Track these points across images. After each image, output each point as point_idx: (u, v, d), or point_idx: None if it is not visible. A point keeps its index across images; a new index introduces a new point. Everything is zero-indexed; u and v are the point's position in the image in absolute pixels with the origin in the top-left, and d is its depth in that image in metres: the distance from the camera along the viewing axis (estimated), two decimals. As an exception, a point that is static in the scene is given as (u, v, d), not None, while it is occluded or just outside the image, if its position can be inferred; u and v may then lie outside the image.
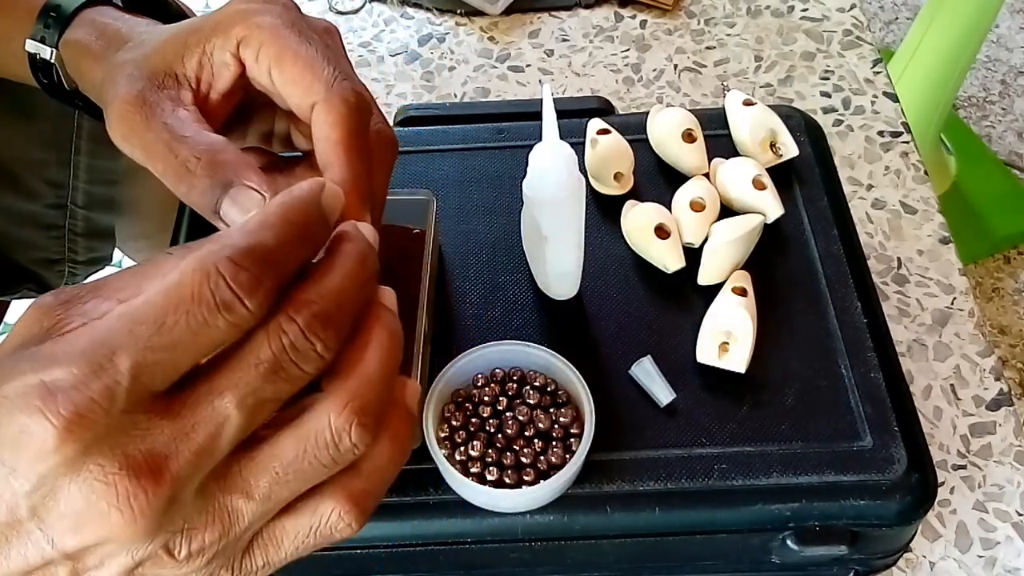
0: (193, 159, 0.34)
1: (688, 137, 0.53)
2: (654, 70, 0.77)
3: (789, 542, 0.42)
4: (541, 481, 0.40)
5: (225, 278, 0.25)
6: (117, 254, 0.82)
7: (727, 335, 0.45)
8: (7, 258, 0.67)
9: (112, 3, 0.43)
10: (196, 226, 0.52)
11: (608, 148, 0.52)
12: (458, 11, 0.81)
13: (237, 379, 0.25)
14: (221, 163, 0.34)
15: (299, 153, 0.42)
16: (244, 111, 0.41)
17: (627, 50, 0.78)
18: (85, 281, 0.79)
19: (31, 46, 0.42)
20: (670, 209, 0.51)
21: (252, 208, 0.34)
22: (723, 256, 0.48)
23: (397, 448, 0.29)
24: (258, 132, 0.43)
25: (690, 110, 0.55)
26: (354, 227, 0.29)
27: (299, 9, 0.38)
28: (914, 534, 0.45)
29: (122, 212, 0.76)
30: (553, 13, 0.81)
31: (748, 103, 0.54)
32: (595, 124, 0.54)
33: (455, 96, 0.76)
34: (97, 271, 0.77)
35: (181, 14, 0.47)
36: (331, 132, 0.35)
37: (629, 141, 0.53)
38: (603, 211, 0.52)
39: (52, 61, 0.42)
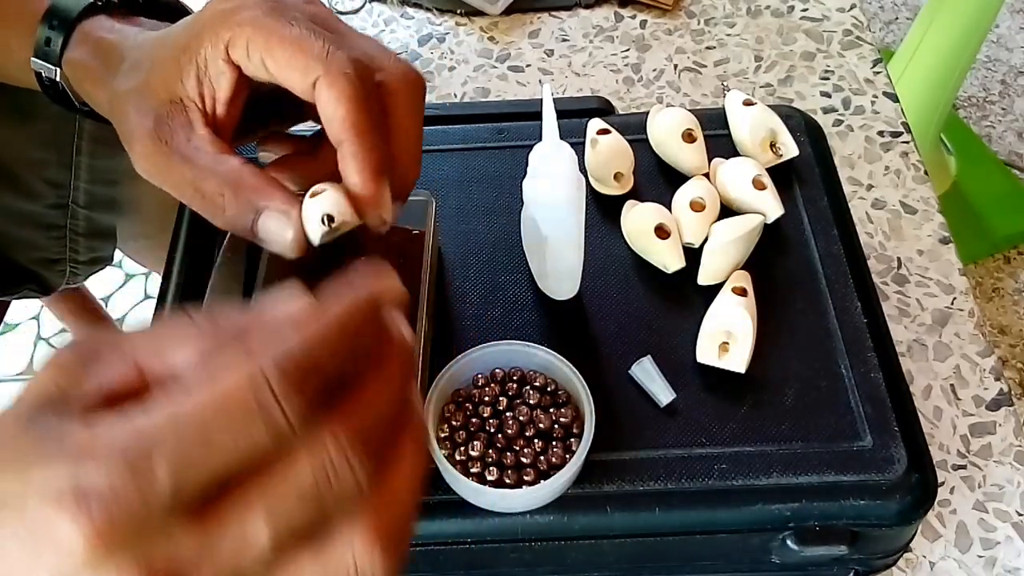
0: (219, 196, 0.36)
1: (688, 137, 0.53)
2: (654, 70, 0.77)
3: (789, 542, 0.42)
4: (541, 481, 0.40)
5: (276, 395, 0.24)
6: (117, 254, 0.82)
7: (727, 335, 0.45)
8: (8, 258, 0.67)
9: (108, 5, 0.43)
10: (196, 228, 0.52)
11: (608, 148, 0.52)
12: (458, 11, 0.81)
13: (272, 500, 0.24)
14: (246, 190, 0.36)
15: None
16: (260, 103, 0.41)
17: (627, 50, 0.78)
18: (85, 281, 0.80)
19: (35, 64, 0.43)
20: (670, 209, 0.51)
21: (283, 226, 0.36)
22: (723, 256, 0.48)
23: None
24: (268, 114, 0.43)
25: (690, 110, 0.55)
26: (402, 334, 0.28)
27: None
28: (914, 534, 0.45)
29: (122, 212, 0.76)
30: (553, 13, 0.81)
31: (748, 103, 0.54)
32: (595, 124, 0.54)
33: (455, 96, 0.76)
34: (98, 270, 0.77)
35: (177, 5, 0.46)
36: (336, 109, 0.35)
37: (629, 141, 0.53)
38: (603, 211, 0.52)
39: (58, 80, 0.43)
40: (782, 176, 0.53)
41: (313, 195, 0.36)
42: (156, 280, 1.50)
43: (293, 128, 0.45)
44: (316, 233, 0.36)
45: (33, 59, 0.43)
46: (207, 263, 0.50)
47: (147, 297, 1.56)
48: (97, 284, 1.57)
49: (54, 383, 0.25)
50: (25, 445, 0.23)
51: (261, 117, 0.42)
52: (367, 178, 0.36)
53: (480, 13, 0.81)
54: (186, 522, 0.23)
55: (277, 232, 0.36)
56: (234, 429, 0.24)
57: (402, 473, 0.27)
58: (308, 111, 0.41)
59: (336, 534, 0.25)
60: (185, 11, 0.47)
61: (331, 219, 0.36)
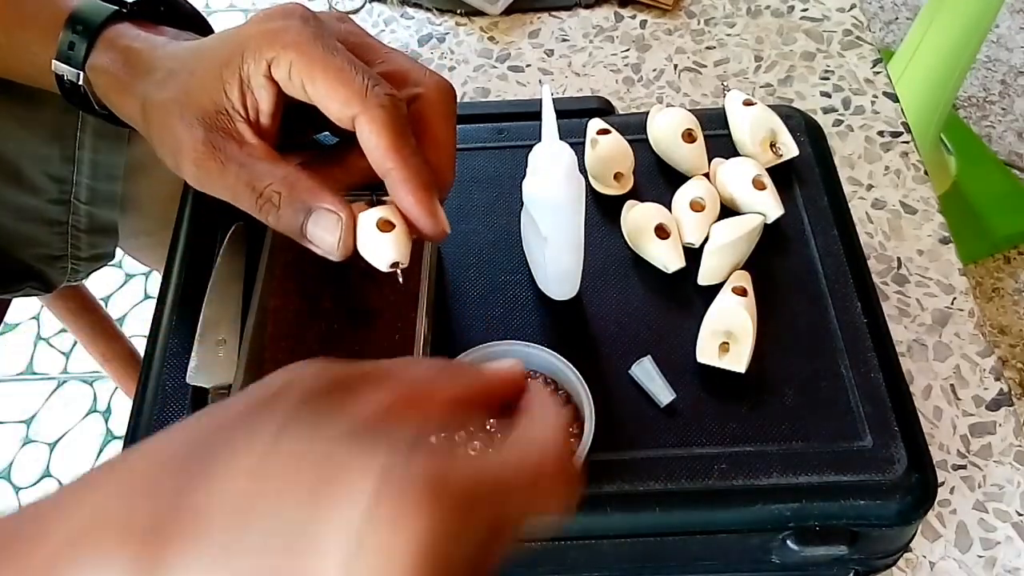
0: (275, 194, 0.38)
1: (688, 137, 0.53)
2: (654, 70, 0.77)
3: (789, 542, 0.42)
4: (541, 481, 0.40)
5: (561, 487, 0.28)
6: (118, 253, 0.82)
7: (727, 335, 0.45)
8: (10, 255, 0.67)
9: (131, 13, 0.44)
10: (196, 227, 0.52)
11: (608, 148, 0.52)
12: (458, 11, 0.81)
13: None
14: (300, 191, 0.38)
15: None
16: (294, 112, 0.42)
17: (627, 50, 0.78)
18: (87, 278, 0.80)
19: (57, 68, 0.43)
20: (670, 209, 0.51)
21: (333, 227, 0.38)
22: (723, 256, 0.48)
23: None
24: (301, 119, 0.44)
25: (690, 110, 0.55)
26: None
27: (315, 16, 0.40)
28: (914, 534, 0.45)
29: (123, 209, 0.76)
30: (553, 13, 0.81)
31: (748, 103, 0.54)
32: (595, 124, 0.54)
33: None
34: (99, 267, 0.77)
35: (196, 16, 0.48)
36: (379, 141, 0.38)
37: (629, 141, 0.53)
38: (603, 211, 0.52)
39: (81, 84, 0.43)
40: (782, 176, 0.53)
41: (382, 229, 0.39)
42: (156, 280, 1.50)
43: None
44: (381, 265, 0.39)
45: (55, 62, 0.43)
46: (207, 263, 0.50)
47: (147, 297, 1.56)
48: (97, 284, 1.57)
49: (329, 378, 0.26)
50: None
51: (297, 126, 0.44)
52: (421, 199, 0.38)
53: (480, 13, 0.81)
54: None
55: (325, 232, 0.38)
56: (556, 485, 0.27)
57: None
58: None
59: None
60: (204, 21, 0.48)
61: (387, 222, 0.39)
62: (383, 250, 0.39)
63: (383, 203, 0.39)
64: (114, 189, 0.73)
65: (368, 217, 0.39)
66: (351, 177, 0.42)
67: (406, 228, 0.39)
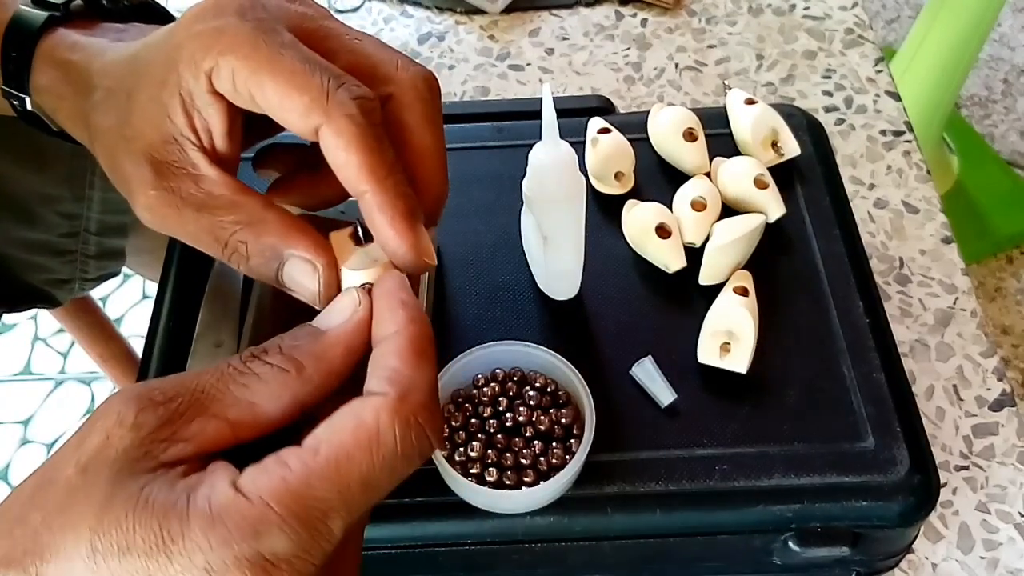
0: (241, 244, 0.33)
1: (689, 136, 0.53)
2: (655, 69, 0.76)
3: (791, 543, 0.42)
4: (541, 482, 0.40)
5: (425, 429, 0.26)
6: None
7: (728, 335, 0.45)
8: (19, 280, 0.67)
9: (69, 16, 0.39)
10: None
11: (609, 147, 0.52)
12: (458, 9, 0.81)
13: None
14: (267, 237, 0.33)
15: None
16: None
17: (628, 49, 0.78)
18: (94, 290, 0.80)
19: (6, 94, 0.39)
20: (671, 208, 0.51)
21: (310, 280, 0.33)
22: (724, 256, 0.48)
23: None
24: (264, 125, 0.37)
25: (691, 109, 0.54)
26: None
27: (255, 4, 0.33)
28: (916, 535, 0.44)
29: (129, 230, 0.76)
30: (553, 11, 0.81)
31: (750, 102, 0.54)
32: (595, 123, 0.54)
33: (455, 95, 0.76)
34: (105, 281, 0.78)
35: (147, 5, 0.43)
36: (347, 159, 0.32)
37: (630, 140, 0.53)
38: (603, 211, 0.52)
39: (31, 109, 0.39)
40: (784, 175, 0.52)
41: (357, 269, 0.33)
42: (154, 282, 1.50)
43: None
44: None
45: (3, 88, 0.39)
46: (206, 264, 0.49)
47: (145, 297, 1.56)
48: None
49: (135, 441, 0.25)
50: (144, 521, 0.23)
51: (260, 128, 0.38)
52: (401, 229, 0.32)
53: (480, 11, 0.81)
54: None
55: (302, 282, 0.33)
56: (393, 468, 0.26)
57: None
58: None
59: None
60: (154, 6, 0.43)
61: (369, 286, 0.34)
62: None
63: (364, 242, 0.34)
64: (123, 220, 0.73)
65: (353, 279, 0.33)
66: (336, 189, 0.34)
67: (385, 265, 0.34)
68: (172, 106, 0.33)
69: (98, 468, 0.24)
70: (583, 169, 0.50)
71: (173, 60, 0.33)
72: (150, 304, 0.50)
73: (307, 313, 0.45)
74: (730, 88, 0.57)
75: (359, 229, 0.34)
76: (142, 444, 0.25)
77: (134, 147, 0.34)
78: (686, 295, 0.48)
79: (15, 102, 0.39)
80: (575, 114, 0.55)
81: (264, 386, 0.27)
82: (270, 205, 0.33)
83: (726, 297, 0.46)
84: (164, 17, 0.43)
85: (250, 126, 0.36)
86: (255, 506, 0.23)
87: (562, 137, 0.43)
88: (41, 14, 0.38)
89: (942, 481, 0.44)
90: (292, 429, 0.27)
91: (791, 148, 0.53)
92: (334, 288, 0.33)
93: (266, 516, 0.23)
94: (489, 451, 0.40)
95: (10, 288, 0.66)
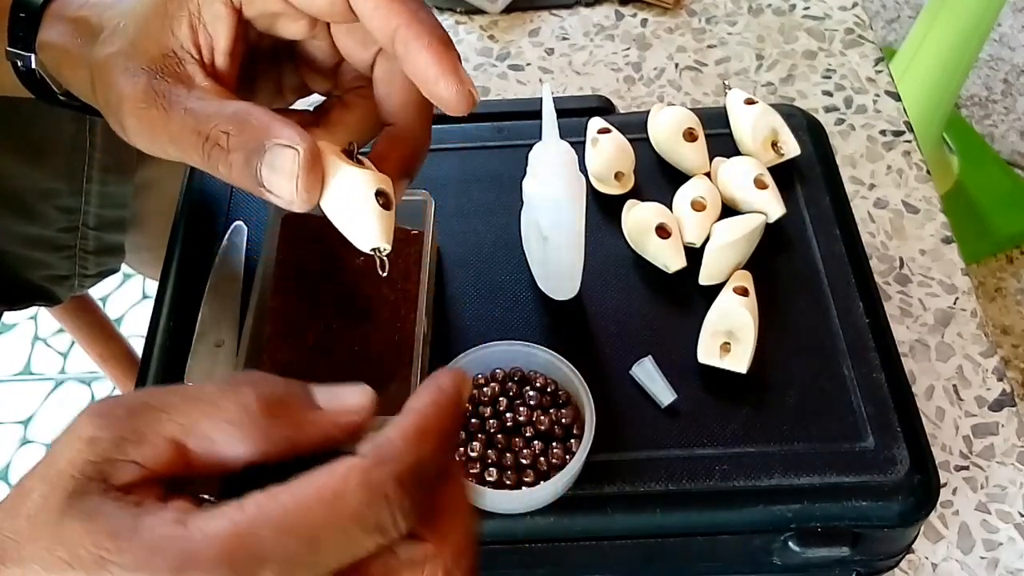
0: (223, 135, 0.31)
1: (689, 136, 0.53)
2: (655, 69, 0.76)
3: (791, 543, 0.42)
4: (541, 482, 0.40)
5: (391, 503, 0.23)
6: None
7: (728, 335, 0.45)
8: (19, 277, 0.67)
9: None
10: (195, 227, 0.52)
11: (609, 147, 0.52)
12: (458, 9, 0.81)
13: None
14: (250, 130, 0.31)
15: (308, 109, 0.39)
16: (247, 68, 0.37)
17: (628, 49, 0.78)
18: (91, 289, 0.80)
19: (10, 54, 0.39)
20: (671, 209, 0.51)
21: (290, 167, 0.30)
22: (724, 256, 0.48)
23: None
24: (268, 91, 0.39)
25: (691, 109, 0.54)
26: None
27: None
28: (916, 535, 0.44)
29: (129, 227, 0.76)
30: (553, 11, 0.81)
31: (750, 102, 0.54)
32: (596, 123, 0.54)
33: (455, 95, 0.76)
34: (104, 278, 0.77)
35: None
36: (414, 86, 0.31)
37: (630, 140, 0.53)
38: (604, 211, 0.52)
39: (34, 68, 0.39)
40: (784, 175, 0.52)
41: (382, 203, 0.31)
42: (154, 281, 1.50)
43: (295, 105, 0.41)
44: (371, 222, 0.31)
45: (9, 49, 0.39)
46: (205, 263, 0.49)
47: (145, 297, 1.56)
48: (96, 285, 1.57)
49: (91, 459, 0.24)
50: (84, 543, 0.23)
51: (257, 86, 0.39)
52: (442, 56, 0.31)
53: (480, 11, 0.81)
54: None
55: (282, 175, 0.30)
56: (346, 539, 0.23)
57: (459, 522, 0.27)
58: (312, 79, 0.38)
59: None
60: None
61: (386, 199, 0.31)
62: (372, 227, 0.31)
63: (362, 163, 0.32)
64: (121, 215, 0.73)
65: (360, 179, 0.31)
66: (333, 139, 0.34)
67: (394, 207, 0.32)
68: (178, 19, 0.33)
69: (58, 485, 0.24)
70: (583, 169, 0.50)
71: None
72: (150, 304, 0.50)
73: (307, 314, 0.45)
74: (730, 88, 0.57)
75: (354, 146, 0.32)
76: (96, 463, 0.24)
77: (132, 63, 0.33)
78: (686, 295, 0.48)
79: (19, 62, 0.39)
80: (575, 114, 0.55)
81: (229, 430, 0.26)
82: (259, 106, 0.32)
83: (726, 297, 0.46)
84: None
85: (250, 84, 0.36)
86: (191, 543, 0.22)
87: (562, 137, 0.43)
88: None
89: (942, 481, 0.44)
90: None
91: (791, 148, 0.53)
92: (314, 183, 0.31)
93: (197, 554, 0.22)
94: (489, 451, 0.41)
95: (9, 285, 0.66)
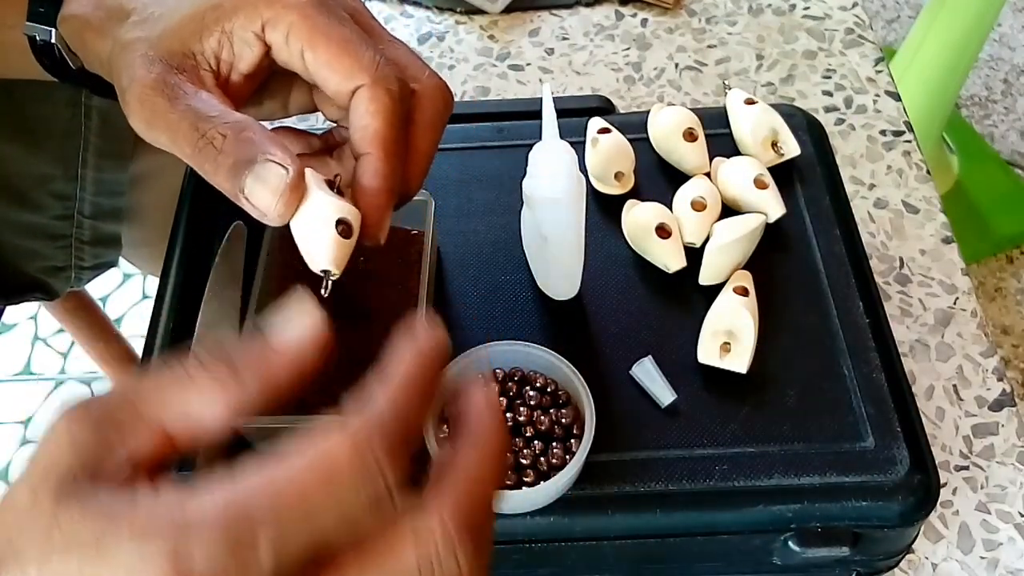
0: (219, 136, 0.33)
1: (689, 136, 0.53)
2: (655, 69, 0.76)
3: (791, 543, 0.42)
4: (541, 482, 0.40)
5: (379, 458, 0.23)
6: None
7: (728, 335, 0.45)
8: (15, 269, 0.67)
9: None
10: (195, 224, 0.52)
11: (609, 147, 0.52)
12: (458, 9, 0.81)
13: None
14: (246, 140, 0.33)
15: (320, 128, 0.42)
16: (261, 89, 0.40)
17: (628, 48, 0.78)
18: (90, 288, 0.80)
19: (29, 28, 0.41)
20: (671, 208, 0.51)
21: (275, 184, 0.33)
22: (724, 256, 0.48)
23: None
24: (275, 102, 0.42)
25: (691, 109, 0.54)
26: (491, 397, 0.27)
27: None
28: (916, 535, 0.44)
29: (126, 220, 0.76)
30: (553, 11, 0.81)
31: (750, 102, 0.54)
32: (596, 123, 0.54)
33: (455, 95, 0.76)
34: (102, 273, 0.77)
35: None
36: (371, 122, 0.35)
37: (630, 140, 0.53)
38: (604, 211, 0.52)
39: (53, 41, 0.41)
40: (784, 175, 0.52)
41: (341, 233, 0.34)
42: (154, 281, 1.50)
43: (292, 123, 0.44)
44: (325, 246, 0.34)
45: (27, 23, 0.41)
46: (205, 263, 0.49)
47: (145, 297, 1.56)
48: (95, 284, 1.56)
49: (75, 458, 0.24)
50: (81, 527, 0.22)
51: (264, 97, 0.41)
52: (382, 196, 0.35)
53: (480, 11, 0.81)
54: None
55: (265, 189, 0.33)
56: (337, 497, 0.23)
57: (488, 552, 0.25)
58: (325, 105, 0.40)
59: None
60: None
61: (346, 227, 0.34)
62: (326, 251, 0.34)
63: (342, 194, 0.35)
64: (118, 204, 0.73)
65: (326, 206, 0.34)
66: (324, 168, 0.39)
67: (354, 239, 0.35)
68: (211, 31, 0.36)
69: (44, 490, 0.24)
70: (583, 169, 0.50)
71: (234, 1, 0.36)
72: (150, 304, 0.50)
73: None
74: (730, 88, 0.57)
75: (338, 178, 0.36)
76: (85, 463, 0.24)
77: (153, 51, 0.35)
78: (686, 295, 0.48)
79: (37, 36, 0.41)
80: (575, 114, 0.55)
81: (198, 393, 0.25)
82: (256, 122, 0.34)
83: (726, 297, 0.46)
84: None
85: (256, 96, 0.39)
86: (188, 513, 0.22)
87: (562, 137, 0.43)
88: None
89: (942, 481, 0.44)
90: None
91: (791, 148, 0.53)
92: (292, 206, 0.33)
93: (195, 523, 0.22)
94: (489, 451, 0.40)
95: (5, 278, 0.66)
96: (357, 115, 0.35)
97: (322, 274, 0.34)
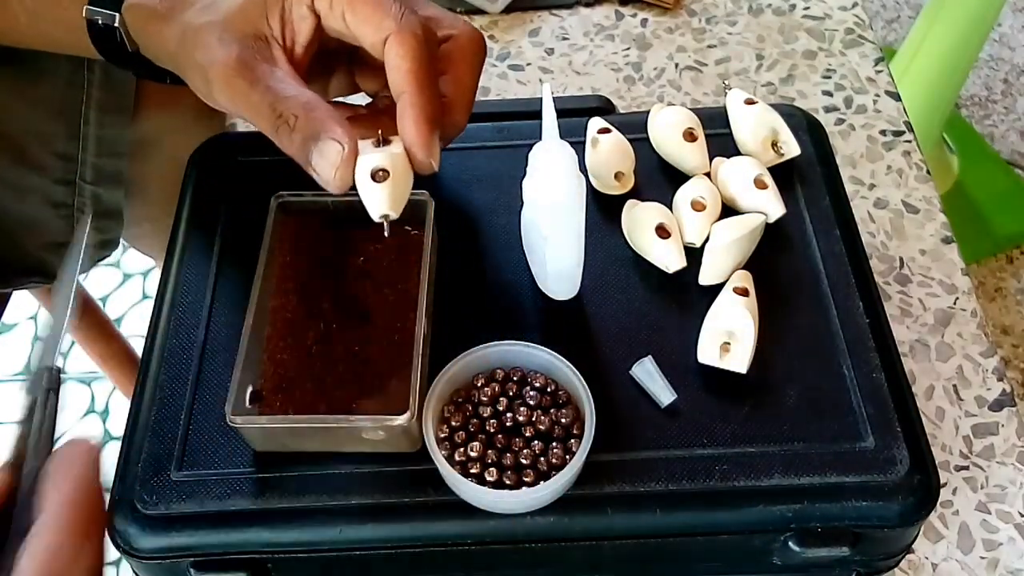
0: (292, 117, 0.39)
1: (689, 136, 0.53)
2: (655, 69, 0.76)
3: (791, 543, 0.42)
4: (541, 482, 0.40)
5: None
6: (118, 250, 0.82)
7: (728, 335, 0.45)
8: (16, 246, 0.67)
9: None
10: (195, 226, 0.52)
11: (609, 147, 0.52)
12: (458, 9, 0.81)
13: None
14: (313, 119, 0.39)
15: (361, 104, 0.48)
16: (312, 66, 0.44)
17: (628, 49, 0.78)
18: (88, 272, 0.79)
19: (90, 12, 0.45)
20: (671, 209, 0.51)
21: (333, 158, 0.39)
22: (724, 256, 0.48)
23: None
24: (317, 86, 0.46)
25: (691, 109, 0.54)
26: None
27: None
28: (916, 535, 0.44)
29: (128, 193, 0.76)
30: (553, 11, 0.81)
31: (750, 102, 0.54)
32: (596, 123, 0.54)
33: (455, 95, 0.76)
34: (105, 256, 0.77)
35: None
36: (402, 63, 0.40)
37: (630, 140, 0.53)
38: (603, 211, 0.52)
39: (116, 26, 0.45)
40: (784, 175, 0.52)
41: (377, 178, 0.40)
42: (154, 280, 1.50)
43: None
44: (368, 194, 0.39)
45: (88, 7, 0.45)
46: (207, 261, 0.49)
47: (145, 297, 1.56)
48: (95, 284, 1.57)
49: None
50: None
51: (318, 77, 0.47)
52: (422, 129, 0.40)
53: (480, 11, 0.81)
54: None
55: (326, 162, 0.39)
56: None
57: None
58: (364, 79, 0.47)
59: None
60: None
61: (383, 173, 0.39)
62: (375, 199, 0.39)
63: (389, 143, 0.40)
64: (119, 167, 0.72)
65: (366, 161, 0.39)
66: (370, 131, 0.43)
67: (404, 179, 0.40)
68: (272, 11, 0.41)
69: None
70: (583, 169, 0.50)
71: None
72: (150, 304, 0.50)
73: (307, 314, 0.45)
74: (730, 88, 0.57)
75: (379, 136, 0.41)
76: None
77: (227, 36, 0.41)
78: (686, 295, 0.48)
79: (102, 21, 0.45)
80: (575, 114, 0.55)
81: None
82: (323, 101, 0.40)
83: (726, 297, 0.46)
84: None
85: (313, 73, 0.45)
86: None
87: (562, 137, 0.43)
88: None
89: (942, 481, 0.44)
90: None
91: (791, 148, 0.53)
92: (348, 175, 0.39)
93: None
94: (489, 451, 0.41)
95: (4, 255, 0.66)
96: (389, 60, 0.40)
97: (382, 219, 0.40)
